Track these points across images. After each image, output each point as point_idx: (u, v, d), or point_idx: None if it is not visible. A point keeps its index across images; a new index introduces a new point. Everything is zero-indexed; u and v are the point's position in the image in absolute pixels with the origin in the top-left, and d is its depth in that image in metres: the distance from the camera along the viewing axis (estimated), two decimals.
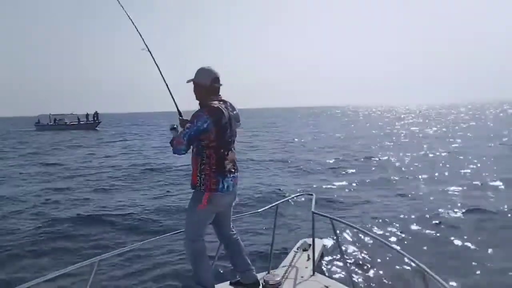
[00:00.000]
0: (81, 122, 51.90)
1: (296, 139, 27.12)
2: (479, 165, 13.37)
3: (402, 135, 28.19)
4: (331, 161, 15.96)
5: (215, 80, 2.65)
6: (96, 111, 52.34)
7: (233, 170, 2.66)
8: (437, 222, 7.22)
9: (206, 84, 2.62)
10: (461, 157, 15.33)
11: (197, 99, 2.67)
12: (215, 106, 2.55)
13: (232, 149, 2.68)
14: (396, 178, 11.88)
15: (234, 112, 2.71)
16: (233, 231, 2.94)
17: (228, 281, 3.00)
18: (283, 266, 3.41)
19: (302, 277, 3.18)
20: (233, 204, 2.84)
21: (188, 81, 2.68)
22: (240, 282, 2.91)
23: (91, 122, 51.39)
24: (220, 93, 2.69)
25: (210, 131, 2.48)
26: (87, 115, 52.69)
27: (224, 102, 2.67)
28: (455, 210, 7.94)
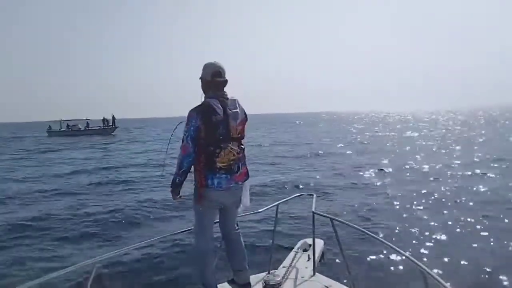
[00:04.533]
0: (96, 127, 48.93)
1: None
2: None
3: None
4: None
5: (216, 74, 2.63)
6: (113, 115, 48.90)
7: (228, 169, 2.61)
8: (438, 221, 7.22)
9: (208, 78, 2.64)
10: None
11: (203, 93, 2.70)
12: (205, 104, 2.58)
13: (230, 147, 2.60)
14: (397, 177, 11.89)
15: (234, 110, 2.65)
16: (236, 230, 2.92)
17: (229, 280, 3.01)
18: (283, 267, 3.40)
19: (302, 277, 3.17)
20: (240, 205, 2.82)
21: (200, 78, 2.71)
22: (234, 281, 2.93)
23: (107, 127, 48.00)
24: (224, 88, 2.67)
25: (200, 128, 2.52)
26: (103, 120, 48.79)
27: (225, 98, 2.65)
28: (458, 208, 7.92)
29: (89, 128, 49.13)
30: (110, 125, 48.43)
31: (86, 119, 51.67)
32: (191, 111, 2.57)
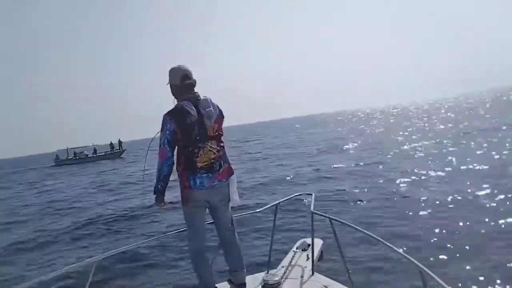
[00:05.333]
0: (103, 153, 48.73)
1: None
2: None
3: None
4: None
5: (185, 77, 2.66)
6: (119, 140, 49.16)
7: (209, 167, 2.61)
8: (438, 221, 7.21)
9: (177, 83, 2.67)
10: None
11: (175, 98, 2.72)
12: (178, 107, 2.59)
13: (209, 146, 2.62)
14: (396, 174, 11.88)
15: (207, 109, 2.65)
16: (229, 230, 2.89)
17: (228, 280, 3.02)
18: (282, 266, 3.40)
19: (301, 277, 3.17)
20: (229, 203, 2.81)
21: (167, 84, 2.72)
22: (231, 281, 2.93)
23: (114, 152, 48.07)
24: (195, 89, 2.69)
25: (176, 131, 2.55)
26: (110, 144, 48.92)
27: (197, 99, 2.65)
28: (459, 207, 7.90)
29: (97, 154, 48.63)
30: (117, 149, 48.06)
31: (93, 145, 51.04)
32: (165, 115, 2.59)
